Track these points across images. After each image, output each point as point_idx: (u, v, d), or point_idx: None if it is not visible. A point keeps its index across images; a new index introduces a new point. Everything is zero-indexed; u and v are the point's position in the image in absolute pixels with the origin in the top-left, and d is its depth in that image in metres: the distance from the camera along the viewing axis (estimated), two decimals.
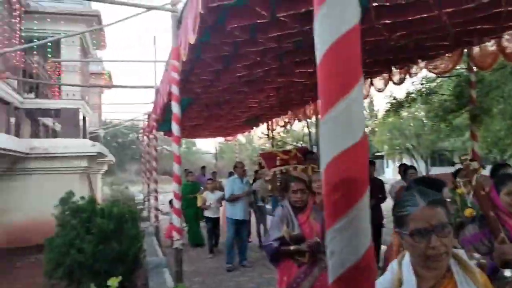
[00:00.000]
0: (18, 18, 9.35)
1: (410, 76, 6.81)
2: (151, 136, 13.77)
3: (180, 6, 4.95)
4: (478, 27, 4.82)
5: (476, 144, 5.89)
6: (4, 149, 8.10)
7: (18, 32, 9.49)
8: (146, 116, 14.97)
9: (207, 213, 8.90)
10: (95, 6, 10.27)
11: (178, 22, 5.00)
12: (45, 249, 5.35)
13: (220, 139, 21.83)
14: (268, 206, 9.32)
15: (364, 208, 0.84)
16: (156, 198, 10.91)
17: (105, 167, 18.15)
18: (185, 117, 9.41)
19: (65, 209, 5.35)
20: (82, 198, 5.83)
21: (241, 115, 11.56)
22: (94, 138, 14.56)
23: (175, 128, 5.16)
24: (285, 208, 3.62)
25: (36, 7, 9.90)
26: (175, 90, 5.14)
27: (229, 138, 19.48)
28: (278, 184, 6.79)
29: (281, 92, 8.54)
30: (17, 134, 10.35)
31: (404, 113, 18.33)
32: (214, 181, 9.53)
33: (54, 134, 13.22)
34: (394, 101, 11.05)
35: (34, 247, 10.04)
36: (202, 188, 9.90)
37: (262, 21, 4.16)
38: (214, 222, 8.86)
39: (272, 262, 3.66)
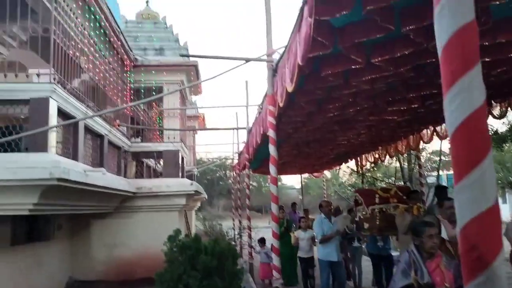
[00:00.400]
0: (128, 72, 10.55)
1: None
2: (242, 173, 14.33)
3: (275, 56, 5.30)
4: None
5: None
6: (117, 190, 8.92)
7: (128, 84, 10.66)
8: (237, 155, 15.68)
9: (300, 253, 8.59)
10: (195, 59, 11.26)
11: (274, 71, 5.34)
12: (156, 282, 5.78)
13: (305, 174, 21.86)
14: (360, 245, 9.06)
15: (498, 268, 0.94)
16: (250, 236, 11.18)
17: (199, 204, 19.06)
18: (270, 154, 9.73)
19: (173, 246, 5.79)
20: (187, 236, 6.25)
21: (330, 152, 11.63)
22: (189, 176, 15.47)
23: (272, 169, 5.40)
24: (411, 254, 3.47)
25: (143, 61, 11.10)
26: (272, 134, 5.42)
27: (316, 174, 19.48)
28: (377, 222, 6.64)
29: (372, 130, 8.51)
30: (125, 175, 11.37)
31: (506, 146, 17.06)
32: (307, 219, 9.14)
33: (155, 174, 14.32)
34: (495, 135, 10.38)
35: (138, 280, 10.69)
36: (294, 225, 9.90)
37: (356, 66, 4.32)
38: (307, 262, 8.50)
39: None
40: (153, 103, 12.02)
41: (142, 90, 11.09)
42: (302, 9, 3.66)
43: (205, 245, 5.92)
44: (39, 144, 5.81)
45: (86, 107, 7.40)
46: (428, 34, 3.55)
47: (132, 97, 10.85)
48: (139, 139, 11.65)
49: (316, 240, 8.07)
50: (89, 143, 8.13)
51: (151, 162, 14.28)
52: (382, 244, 7.55)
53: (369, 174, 15.87)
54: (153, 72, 11.01)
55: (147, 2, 12.88)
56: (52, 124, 5.94)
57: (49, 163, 5.66)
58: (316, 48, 3.78)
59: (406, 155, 11.42)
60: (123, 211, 10.84)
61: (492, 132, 10.82)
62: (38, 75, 6.27)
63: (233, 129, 11.15)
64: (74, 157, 7.16)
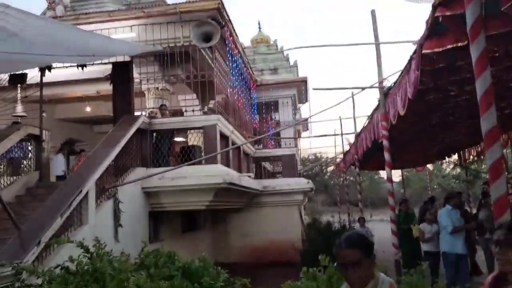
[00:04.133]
0: (252, 90, 12.80)
1: None
2: (348, 170, 15.88)
3: (386, 84, 6.92)
4: None
5: None
6: (249, 188, 11.10)
7: (251, 100, 12.92)
8: (342, 155, 17.28)
9: (426, 247, 8.03)
10: (301, 73, 13.18)
11: (385, 95, 6.96)
12: (301, 257, 7.73)
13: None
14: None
15: None
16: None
17: (306, 199, 20.98)
18: (378, 155, 11.11)
19: (312, 229, 7.72)
20: (319, 222, 8.14)
21: (432, 148, 12.72)
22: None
23: (388, 172, 7.04)
24: None
25: (262, 80, 13.28)
26: (386, 143, 7.04)
27: (419, 168, 20.28)
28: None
29: (472, 127, 9.60)
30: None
31: None
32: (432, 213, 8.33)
33: (271, 175, 16.50)
34: None
35: (267, 264, 12.76)
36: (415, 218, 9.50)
37: (452, 93, 5.81)
38: (435, 258, 7.65)
39: None
40: (269, 116, 14.16)
41: (262, 103, 13.28)
42: (410, 60, 5.26)
43: (334, 231, 7.75)
44: (212, 158, 8.11)
45: (232, 127, 9.67)
46: None
47: (255, 111, 13.10)
48: (260, 146, 13.86)
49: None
50: (232, 152, 10.45)
51: (266, 165, 16.52)
52: None
53: (473, 167, 16.39)
54: (271, 89, 13.13)
55: (259, 28, 15.04)
56: (218, 143, 8.22)
57: (221, 172, 7.94)
58: (422, 84, 5.37)
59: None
60: (252, 206, 13.09)
61: None
62: (205, 112, 8.62)
63: (340, 134, 12.83)
64: (228, 165, 9.46)
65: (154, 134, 8.83)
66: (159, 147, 8.65)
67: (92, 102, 13.40)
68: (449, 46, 4.20)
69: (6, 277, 4.32)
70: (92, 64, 8.20)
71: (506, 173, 9.21)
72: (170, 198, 8.29)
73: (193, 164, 7.71)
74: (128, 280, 3.77)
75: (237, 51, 10.57)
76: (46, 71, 7.94)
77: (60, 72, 8.98)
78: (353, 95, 7.86)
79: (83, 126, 15.50)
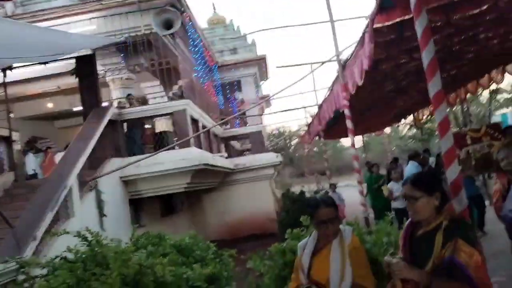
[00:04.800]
0: (214, 72, 13.05)
1: None
2: (315, 140, 16.53)
3: (343, 57, 7.42)
4: None
5: None
6: (223, 167, 11.51)
7: (214, 82, 13.18)
8: (306, 127, 17.88)
9: (395, 204, 8.45)
10: (260, 51, 13.52)
11: (343, 67, 7.45)
12: (278, 225, 8.27)
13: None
14: None
15: None
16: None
17: (276, 173, 21.63)
18: (340, 123, 11.75)
19: (286, 199, 8.25)
20: (292, 192, 8.67)
21: (389, 113, 13.50)
22: None
23: (351, 138, 7.61)
24: None
25: (223, 61, 13.53)
26: (347, 112, 7.58)
27: (377, 132, 21.27)
28: (473, 162, 6.72)
29: (422, 92, 10.35)
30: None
31: None
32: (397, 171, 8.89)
33: (239, 153, 16.93)
34: None
35: (245, 237, 13.29)
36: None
37: (403, 61, 6.36)
38: (403, 213, 8.88)
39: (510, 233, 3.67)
40: (233, 96, 14.49)
41: (226, 83, 13.58)
42: (363, 34, 5.73)
43: (307, 197, 8.30)
44: (185, 142, 8.41)
45: (201, 110, 9.96)
46: None
47: (219, 92, 13.38)
48: (228, 126, 14.21)
49: None
50: (203, 135, 10.77)
51: (235, 143, 16.92)
52: (480, 183, 8.00)
53: (427, 126, 17.47)
54: (232, 69, 13.41)
55: (214, 9, 15.16)
56: (189, 127, 8.52)
57: (196, 154, 8.28)
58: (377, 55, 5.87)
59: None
60: (226, 184, 13.51)
61: None
62: (170, 97, 8.85)
63: (303, 108, 13.37)
64: (200, 147, 9.78)
65: (125, 124, 9.00)
66: (132, 137, 8.85)
67: (53, 97, 13.24)
68: (397, 20, 4.68)
69: (10, 272, 4.55)
70: (54, 61, 8.20)
71: (464, 127, 9.89)
72: (149, 185, 8.58)
73: (169, 149, 7.99)
74: (131, 259, 4.11)
75: (197, 35, 10.76)
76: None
77: (19, 70, 8.91)
78: (312, 70, 8.32)
79: (44, 122, 15.26)
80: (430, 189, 2.29)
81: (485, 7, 4.77)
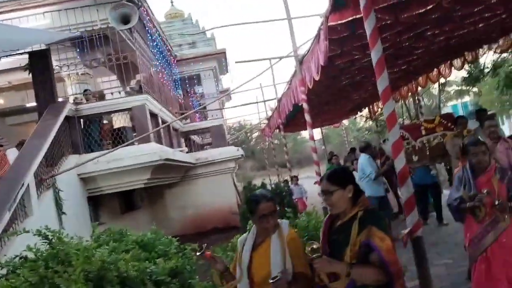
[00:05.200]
0: (173, 66, 12.97)
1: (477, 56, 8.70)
2: (275, 133, 16.76)
3: (300, 52, 7.62)
4: None
5: None
6: (184, 162, 11.53)
7: (174, 76, 13.12)
8: (266, 121, 18.11)
9: None
10: (220, 45, 13.56)
11: (300, 62, 7.67)
12: (241, 217, 8.42)
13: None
14: None
15: None
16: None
17: (237, 166, 21.78)
18: (299, 116, 12.06)
19: (248, 192, 8.40)
20: (254, 185, 8.85)
21: (345, 106, 13.95)
22: None
23: (310, 130, 7.85)
24: (464, 171, 3.83)
25: (181, 55, 13.46)
26: (305, 106, 7.81)
27: (336, 124, 21.86)
28: (427, 153, 6.95)
29: (376, 85, 10.78)
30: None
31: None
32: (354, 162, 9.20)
33: (200, 147, 16.93)
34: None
35: (208, 231, 13.37)
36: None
37: (356, 57, 6.64)
38: None
39: (456, 219, 4.01)
40: (192, 89, 14.46)
41: (185, 77, 13.54)
42: (319, 31, 5.94)
43: (270, 190, 8.50)
44: (145, 138, 8.38)
45: (160, 104, 9.92)
46: None
47: (178, 86, 13.32)
48: (188, 121, 14.19)
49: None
50: (163, 129, 10.73)
51: (195, 138, 16.89)
52: (435, 173, 8.35)
53: (381, 118, 18.14)
54: (192, 63, 13.38)
55: (172, 2, 15.01)
56: (149, 122, 8.48)
57: (156, 149, 8.27)
58: (331, 51, 6.11)
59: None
60: (187, 179, 13.53)
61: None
62: (128, 92, 8.76)
63: (263, 101, 13.54)
64: (160, 142, 9.76)
65: (82, 120, 8.84)
66: (90, 133, 8.70)
67: (3, 93, 12.72)
68: (349, 18, 4.91)
69: None
70: (6, 56, 7.93)
71: (418, 120, 10.35)
72: (108, 181, 8.49)
73: (128, 145, 7.94)
74: (93, 256, 4.12)
75: (155, 29, 10.66)
76: None
77: None
78: (271, 64, 8.49)
79: None
80: (343, 182, 2.46)
81: (430, 6, 5.09)
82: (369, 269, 2.28)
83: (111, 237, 5.39)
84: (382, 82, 3.67)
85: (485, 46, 8.68)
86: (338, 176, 2.54)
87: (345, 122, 27.45)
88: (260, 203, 2.67)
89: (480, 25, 6.45)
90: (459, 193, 3.76)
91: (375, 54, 3.67)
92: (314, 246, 2.36)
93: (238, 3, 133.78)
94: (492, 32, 7.45)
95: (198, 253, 2.86)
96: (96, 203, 9.25)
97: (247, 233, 2.92)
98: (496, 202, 3.46)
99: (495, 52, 8.61)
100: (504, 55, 10.40)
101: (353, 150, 12.61)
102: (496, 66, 11.78)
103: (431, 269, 5.96)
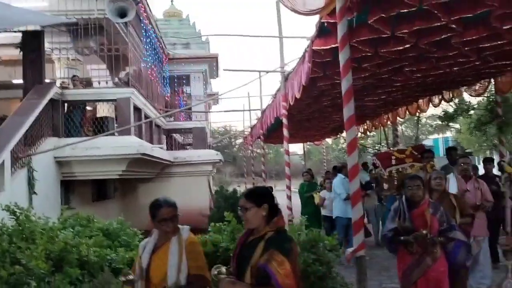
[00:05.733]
0: (164, 64, 13.15)
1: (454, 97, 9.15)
2: (255, 143, 17.08)
3: (286, 68, 7.94)
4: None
5: (502, 147, 8.10)
6: (161, 159, 11.66)
7: (163, 73, 13.30)
8: (249, 129, 18.41)
9: (324, 211, 9.01)
10: (213, 49, 13.82)
11: (285, 79, 7.98)
12: (209, 220, 8.62)
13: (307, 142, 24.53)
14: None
15: None
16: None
17: (215, 170, 21.94)
18: (280, 130, 12.34)
19: (219, 196, 8.62)
20: (226, 190, 9.07)
21: (327, 126, 14.33)
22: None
23: (285, 145, 8.15)
24: (400, 202, 3.99)
25: (174, 54, 13.66)
26: (285, 121, 8.11)
27: (317, 142, 22.28)
28: (395, 182, 7.17)
29: (358, 110, 11.16)
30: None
31: None
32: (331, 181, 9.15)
33: (181, 146, 17.08)
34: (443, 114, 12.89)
35: None
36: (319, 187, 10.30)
37: (337, 81, 6.96)
38: (331, 221, 8.66)
39: (389, 250, 4.15)
40: (180, 89, 14.66)
41: (175, 76, 13.74)
42: (304, 53, 6.26)
43: (239, 197, 8.74)
44: (125, 130, 8.54)
45: (145, 99, 10.10)
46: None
47: (167, 84, 13.51)
48: (172, 119, 14.36)
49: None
50: (145, 124, 10.89)
51: (177, 136, 17.05)
52: None
53: (361, 142, 18.63)
54: (183, 64, 13.60)
55: (171, 1, 15.24)
56: (132, 115, 8.66)
57: (135, 143, 8.44)
58: (314, 73, 6.43)
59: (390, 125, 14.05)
60: (163, 176, 13.59)
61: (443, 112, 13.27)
62: (116, 83, 8.93)
63: (248, 110, 13.84)
64: (140, 136, 9.92)
65: (66, 104, 8.96)
66: (72, 118, 8.82)
67: None
68: (332, 45, 5.23)
69: None
70: None
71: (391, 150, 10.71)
72: (83, 168, 8.60)
73: (108, 135, 8.10)
74: (58, 237, 4.29)
75: (150, 26, 10.88)
76: None
77: None
78: (260, 76, 8.81)
79: None
80: (259, 201, 2.53)
81: (407, 45, 5.44)
82: None
83: (78, 222, 5.57)
84: (347, 111, 3.98)
85: (462, 88, 9.15)
86: (256, 194, 2.61)
87: (329, 141, 28.06)
88: (161, 208, 2.86)
89: (455, 68, 6.88)
90: (394, 224, 3.89)
91: (344, 84, 3.98)
92: (222, 270, 2.49)
93: (236, 9, 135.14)
94: (467, 76, 7.91)
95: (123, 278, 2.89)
96: (69, 188, 9.33)
97: (149, 236, 3.05)
98: (428, 236, 3.63)
99: (470, 95, 9.07)
100: (479, 98, 10.95)
101: (334, 168, 12.47)
102: (469, 108, 12.37)
103: None
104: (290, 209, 8.02)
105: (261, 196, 2.58)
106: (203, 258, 2.95)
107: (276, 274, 2.30)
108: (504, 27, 4.85)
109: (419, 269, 3.71)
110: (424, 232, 3.64)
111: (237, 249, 2.65)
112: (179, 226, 2.96)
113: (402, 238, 3.76)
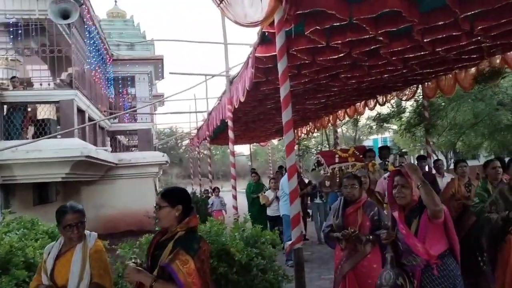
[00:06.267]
0: (108, 65, 12.98)
1: (387, 101, 9.89)
2: (201, 144, 17.19)
3: (231, 72, 8.23)
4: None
5: (429, 148, 8.90)
6: (104, 161, 11.56)
7: (107, 75, 13.13)
8: (196, 131, 18.49)
9: (268, 211, 9.34)
10: (158, 51, 13.81)
11: (230, 82, 8.27)
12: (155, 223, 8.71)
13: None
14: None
15: None
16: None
17: (161, 171, 21.78)
18: (226, 131, 12.58)
19: None
20: None
21: (271, 127, 14.79)
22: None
23: (231, 146, 8.43)
24: (339, 200, 4.28)
25: (118, 55, 13.52)
26: (230, 123, 8.39)
27: (262, 143, 22.79)
28: (337, 180, 7.30)
29: (301, 112, 11.72)
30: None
31: None
32: (277, 180, 9.51)
33: (125, 148, 16.86)
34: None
35: (121, 232, 13.31)
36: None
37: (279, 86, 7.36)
38: (276, 220, 9.04)
39: (328, 245, 4.43)
40: (125, 90, 14.51)
41: (119, 78, 13.59)
42: (248, 59, 6.57)
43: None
44: (68, 133, 8.44)
45: (89, 101, 9.98)
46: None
47: (111, 85, 13.34)
48: (116, 120, 14.18)
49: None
50: (89, 126, 10.74)
51: (122, 138, 16.81)
52: None
53: (305, 143, 19.33)
54: (128, 65, 13.49)
55: (115, 2, 15.04)
56: (75, 117, 8.57)
57: (79, 145, 8.37)
58: (257, 78, 6.76)
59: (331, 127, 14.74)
60: (107, 178, 13.45)
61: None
62: (58, 84, 8.79)
63: (195, 112, 13.97)
64: (84, 139, 9.80)
65: (5, 106, 8.68)
66: (12, 120, 8.56)
67: None
68: (273, 53, 5.58)
69: None
70: None
71: (335, 149, 11.26)
72: (24, 171, 8.39)
73: (50, 138, 7.97)
74: (3, 240, 4.29)
75: (94, 27, 10.73)
76: None
77: None
78: (206, 79, 9.02)
79: None
80: (173, 201, 2.55)
81: (342, 54, 5.92)
82: (170, 286, 2.37)
83: (22, 225, 5.52)
84: (286, 116, 4.34)
85: (394, 93, 9.91)
86: (170, 194, 2.63)
87: (275, 142, 28.72)
88: (66, 214, 2.84)
89: (386, 75, 7.51)
90: (330, 221, 4.16)
91: (283, 91, 4.33)
92: (137, 261, 2.55)
93: (181, 11, 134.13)
94: (397, 82, 8.62)
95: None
96: (8, 191, 9.05)
97: (55, 241, 3.07)
98: (352, 231, 3.87)
99: (401, 99, 9.84)
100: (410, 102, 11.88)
101: (280, 168, 12.87)
102: (399, 111, 13.36)
103: (318, 281, 6.82)
104: (236, 208, 8.28)
105: (176, 197, 2.60)
106: (107, 267, 2.96)
107: (177, 272, 2.34)
108: (425, 40, 5.45)
109: (347, 263, 3.97)
110: (352, 230, 3.86)
111: (150, 248, 2.66)
112: (86, 232, 2.94)
113: (334, 234, 4.05)
